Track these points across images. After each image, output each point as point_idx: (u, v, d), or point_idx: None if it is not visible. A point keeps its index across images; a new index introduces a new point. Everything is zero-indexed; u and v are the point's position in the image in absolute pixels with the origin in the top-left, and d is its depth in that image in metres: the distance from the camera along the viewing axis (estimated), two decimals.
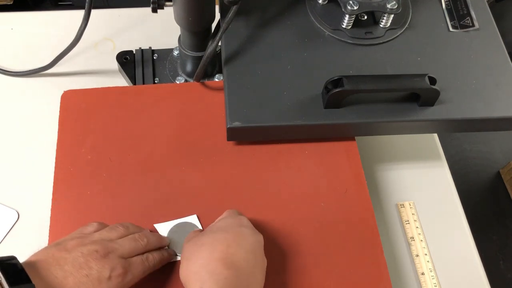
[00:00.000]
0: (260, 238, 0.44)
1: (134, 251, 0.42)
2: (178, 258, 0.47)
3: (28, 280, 0.35)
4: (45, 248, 0.40)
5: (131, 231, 0.44)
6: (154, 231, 0.48)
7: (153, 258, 0.44)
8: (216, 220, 0.47)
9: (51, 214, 0.48)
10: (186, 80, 0.65)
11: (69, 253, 0.39)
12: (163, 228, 0.48)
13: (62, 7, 1.63)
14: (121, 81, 0.68)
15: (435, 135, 0.68)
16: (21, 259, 0.38)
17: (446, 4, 0.59)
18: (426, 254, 0.57)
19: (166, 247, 0.47)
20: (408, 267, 0.57)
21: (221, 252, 0.40)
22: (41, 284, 0.36)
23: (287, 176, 0.52)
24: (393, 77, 0.51)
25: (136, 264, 0.42)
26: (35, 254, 0.39)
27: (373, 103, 0.52)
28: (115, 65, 0.67)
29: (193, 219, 0.49)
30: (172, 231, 0.48)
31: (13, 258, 0.36)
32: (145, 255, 0.43)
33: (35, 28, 0.73)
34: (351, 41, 0.55)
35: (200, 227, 0.48)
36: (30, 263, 0.37)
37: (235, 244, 0.41)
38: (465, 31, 0.57)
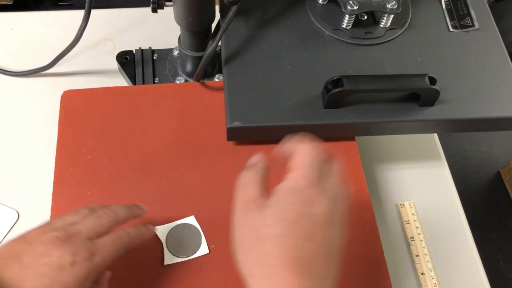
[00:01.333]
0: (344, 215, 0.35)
1: (101, 229, 0.39)
2: (177, 259, 0.47)
3: None
4: (7, 242, 0.37)
5: (97, 211, 0.41)
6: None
7: (127, 234, 0.40)
8: (286, 176, 0.36)
9: (51, 214, 0.48)
10: (186, 80, 0.65)
11: (29, 244, 0.36)
12: (162, 230, 0.48)
13: (62, 7, 1.63)
14: (121, 81, 0.68)
15: (435, 135, 0.68)
16: None
17: (446, 4, 0.59)
18: (426, 254, 0.57)
19: (149, 226, 0.44)
20: (408, 267, 0.57)
21: (291, 253, 0.32)
22: None
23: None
24: (393, 77, 0.51)
25: (104, 244, 0.38)
26: None
27: (373, 103, 0.52)
28: (115, 65, 0.67)
29: (191, 220, 0.49)
30: (170, 233, 0.48)
31: None
32: (116, 232, 0.40)
33: (35, 28, 0.73)
34: (351, 41, 0.55)
35: (199, 228, 0.48)
36: None
37: (314, 242, 0.33)
38: (465, 31, 0.57)
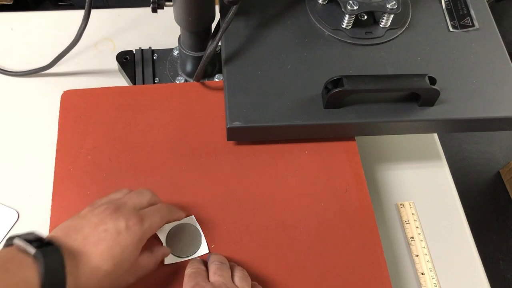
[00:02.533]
0: None
1: (143, 203, 0.44)
2: (177, 259, 0.47)
3: (51, 244, 0.36)
4: (59, 225, 0.41)
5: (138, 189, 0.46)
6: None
7: (166, 206, 0.45)
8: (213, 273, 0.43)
9: (51, 214, 0.48)
10: (186, 80, 0.65)
11: (83, 218, 0.40)
12: (162, 230, 0.48)
13: (62, 7, 1.63)
14: (121, 81, 0.68)
15: (435, 135, 0.68)
16: None
17: (446, 4, 0.59)
18: (426, 254, 0.57)
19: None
20: (408, 267, 0.57)
21: None
22: (63, 249, 0.36)
23: (287, 176, 0.52)
24: (393, 77, 0.51)
25: (150, 212, 0.43)
26: (52, 231, 0.40)
27: (373, 103, 0.52)
28: (115, 65, 0.67)
29: (191, 220, 0.49)
30: (171, 232, 0.48)
31: (32, 232, 0.38)
32: (156, 205, 0.44)
33: (35, 28, 0.73)
34: (351, 41, 0.55)
35: (199, 227, 0.48)
36: (49, 236, 0.38)
37: None
38: (465, 31, 0.57)
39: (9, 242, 0.36)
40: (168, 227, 0.48)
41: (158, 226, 0.43)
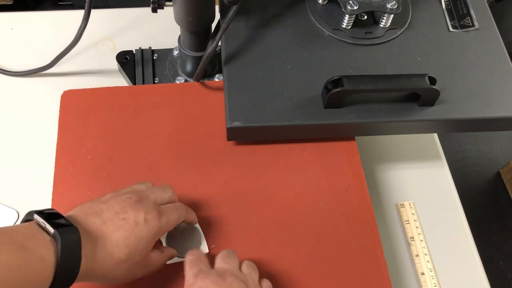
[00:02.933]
0: None
1: (164, 198, 0.44)
2: (177, 259, 0.47)
3: (70, 224, 0.36)
4: (83, 204, 0.41)
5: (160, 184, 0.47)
6: None
7: (184, 206, 0.45)
8: (219, 262, 0.42)
9: None
10: (186, 80, 0.65)
11: (105, 203, 0.40)
12: None
13: (62, 7, 1.63)
14: (121, 81, 0.68)
15: (435, 135, 0.68)
16: None
17: (446, 4, 0.59)
18: (426, 254, 0.57)
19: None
20: (408, 267, 0.57)
21: None
22: (81, 230, 0.36)
23: (287, 176, 0.52)
24: (393, 77, 0.51)
25: (169, 209, 0.43)
26: (72, 210, 0.40)
27: (373, 103, 0.52)
28: (115, 65, 0.67)
29: None
30: (171, 233, 0.48)
31: (52, 209, 0.38)
32: (176, 203, 0.45)
33: (35, 28, 0.73)
34: (351, 41, 0.55)
35: (199, 228, 0.48)
36: (68, 215, 0.38)
37: None
38: (465, 31, 0.57)
39: (29, 217, 0.37)
40: None
41: (175, 223, 0.43)
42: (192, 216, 0.47)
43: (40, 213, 0.36)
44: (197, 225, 0.49)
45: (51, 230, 0.35)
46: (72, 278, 0.35)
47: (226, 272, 0.40)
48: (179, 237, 0.48)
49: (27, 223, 0.36)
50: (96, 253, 0.37)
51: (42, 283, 0.34)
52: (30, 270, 0.33)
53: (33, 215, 0.36)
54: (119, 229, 0.39)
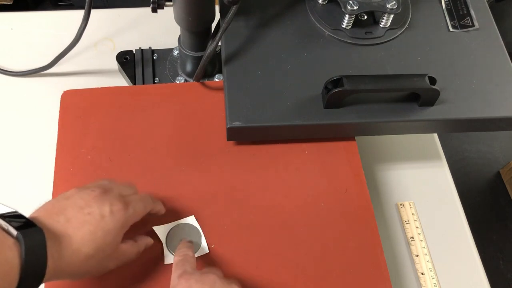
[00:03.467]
0: None
1: (129, 191, 0.44)
2: None
3: (33, 225, 0.36)
4: (46, 202, 0.41)
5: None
6: (153, 233, 0.48)
7: (150, 197, 0.45)
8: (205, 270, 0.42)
9: None
10: (186, 80, 0.65)
11: (68, 199, 0.40)
12: (162, 230, 0.48)
13: (62, 7, 1.63)
14: (121, 81, 0.68)
15: (435, 135, 0.68)
16: None
17: (446, 4, 0.59)
18: (426, 254, 0.57)
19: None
20: (408, 267, 0.57)
21: None
22: (45, 230, 0.36)
23: (287, 176, 0.52)
24: (393, 77, 0.51)
25: (135, 200, 0.43)
26: (36, 211, 0.40)
27: (373, 103, 0.52)
28: (115, 65, 0.67)
29: (191, 220, 0.49)
30: (171, 232, 0.48)
31: (15, 211, 0.38)
32: (142, 194, 0.45)
33: (35, 28, 0.73)
34: (351, 41, 0.55)
35: (199, 228, 0.48)
36: (32, 217, 0.38)
37: None
38: (465, 31, 0.57)
39: None
40: (168, 227, 0.48)
41: (142, 213, 0.43)
42: (159, 206, 0.47)
43: (2, 216, 0.36)
44: (197, 225, 0.49)
45: (14, 232, 0.35)
46: (39, 279, 0.35)
47: (209, 272, 0.40)
48: (178, 237, 0.48)
49: None
50: (63, 252, 0.37)
51: (9, 284, 0.33)
52: None
53: None
54: (84, 225, 0.38)
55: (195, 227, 0.49)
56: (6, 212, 0.37)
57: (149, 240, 0.46)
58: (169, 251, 0.47)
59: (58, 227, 0.38)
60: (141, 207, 0.43)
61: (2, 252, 0.33)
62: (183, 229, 0.48)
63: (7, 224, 0.35)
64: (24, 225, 0.36)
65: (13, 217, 0.36)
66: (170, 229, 0.48)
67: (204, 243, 0.48)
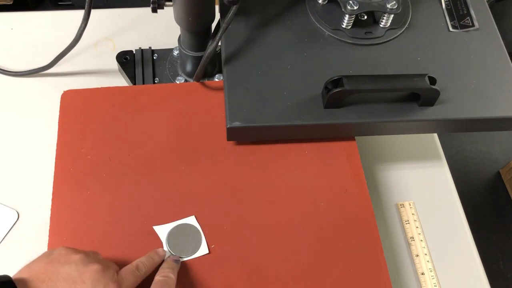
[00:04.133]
0: None
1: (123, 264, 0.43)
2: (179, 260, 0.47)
3: None
4: (37, 260, 0.39)
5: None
6: (153, 233, 0.48)
7: (143, 265, 0.43)
8: None
9: (51, 214, 0.48)
10: (186, 80, 0.65)
11: (63, 265, 0.38)
12: (162, 230, 0.48)
13: (62, 7, 1.63)
14: (121, 81, 0.68)
15: (435, 135, 0.68)
16: (19, 262, 0.38)
17: (446, 4, 0.59)
18: (426, 254, 0.57)
19: (159, 250, 0.47)
20: (408, 267, 0.57)
21: None
22: None
23: (287, 176, 0.52)
24: (393, 77, 0.51)
25: (126, 275, 0.41)
26: (28, 267, 0.38)
27: (373, 103, 0.52)
28: (115, 65, 0.67)
29: (191, 220, 0.49)
30: (171, 233, 0.48)
31: (6, 276, 0.36)
32: (134, 263, 0.43)
33: (35, 28, 0.73)
34: (351, 41, 0.55)
35: (199, 228, 0.49)
36: (22, 280, 0.36)
37: None
38: (465, 31, 0.57)
39: None
40: (168, 227, 0.48)
41: (134, 285, 0.42)
42: (153, 260, 0.45)
43: None
44: (197, 225, 0.49)
45: None
46: None
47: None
48: (178, 237, 0.48)
49: None
50: None
51: None
52: None
53: None
54: None
55: (195, 227, 0.49)
56: None
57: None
58: (169, 251, 0.47)
59: None
60: (132, 282, 0.41)
61: None
62: (183, 229, 0.48)
63: None
64: None
65: (2, 283, 0.35)
66: (170, 229, 0.48)
67: (204, 243, 0.48)
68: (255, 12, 0.56)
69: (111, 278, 0.39)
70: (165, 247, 0.47)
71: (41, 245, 0.46)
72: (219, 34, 0.52)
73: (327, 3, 0.57)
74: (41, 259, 0.39)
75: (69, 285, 0.37)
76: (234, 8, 0.49)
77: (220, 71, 0.64)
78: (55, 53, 0.63)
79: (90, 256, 0.41)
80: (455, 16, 0.58)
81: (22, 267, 0.38)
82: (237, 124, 0.49)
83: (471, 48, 0.56)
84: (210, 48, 0.53)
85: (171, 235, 0.48)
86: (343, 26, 0.55)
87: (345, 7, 0.52)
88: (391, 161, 0.65)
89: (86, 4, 0.55)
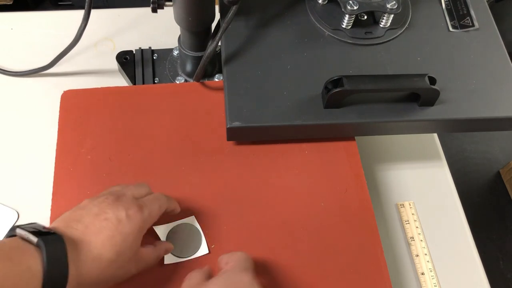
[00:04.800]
0: None
1: (142, 193, 0.44)
2: (177, 259, 0.47)
3: (53, 232, 0.36)
4: (62, 214, 0.41)
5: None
6: (154, 233, 0.48)
7: (163, 195, 0.45)
8: (224, 268, 0.42)
9: (51, 214, 0.48)
10: (186, 80, 0.65)
11: (83, 209, 0.40)
12: (162, 230, 0.48)
13: (62, 7, 1.63)
14: (121, 81, 0.68)
15: (435, 135, 0.68)
16: None
17: (446, 4, 0.59)
18: (426, 254, 0.57)
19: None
20: (408, 267, 0.57)
21: None
22: (65, 237, 0.36)
23: (287, 176, 0.52)
24: (393, 77, 0.51)
25: (149, 200, 0.43)
26: (53, 222, 0.40)
27: (373, 103, 0.52)
28: (115, 65, 0.67)
29: (191, 220, 0.49)
30: (171, 232, 0.48)
31: (34, 222, 0.38)
32: (155, 193, 0.45)
33: (35, 28, 0.73)
34: (351, 41, 0.55)
35: (199, 228, 0.49)
36: (50, 227, 0.39)
37: None
38: (465, 31, 0.57)
39: (12, 232, 0.37)
40: (168, 227, 0.48)
41: (158, 214, 0.43)
42: (174, 204, 0.47)
43: (22, 227, 0.36)
44: (197, 225, 0.49)
45: (34, 239, 0.35)
46: (61, 286, 0.35)
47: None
48: (178, 237, 0.48)
49: (10, 238, 0.36)
50: (84, 258, 0.37)
51: None
52: (17, 280, 0.33)
53: (15, 230, 0.36)
54: (102, 230, 0.38)
55: (195, 227, 0.49)
56: (25, 224, 0.37)
57: (169, 246, 0.46)
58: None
59: (77, 234, 0.38)
60: (156, 208, 0.43)
61: (24, 259, 0.34)
62: (183, 229, 0.48)
63: (27, 233, 0.35)
64: (44, 233, 0.36)
65: (32, 227, 0.37)
66: (170, 229, 0.48)
67: (204, 243, 0.48)
68: (255, 12, 0.56)
69: (131, 202, 0.41)
70: None
71: None
72: (219, 34, 0.52)
73: (327, 3, 0.57)
74: (66, 212, 0.41)
75: (93, 219, 0.39)
76: (234, 8, 0.49)
77: (220, 71, 0.64)
78: (55, 53, 0.63)
79: (109, 194, 0.42)
80: (455, 16, 0.58)
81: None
82: (237, 124, 0.49)
83: (471, 48, 0.56)
84: (210, 48, 0.53)
85: (171, 235, 0.48)
86: (343, 26, 0.55)
87: (345, 7, 0.52)
88: (391, 161, 0.65)
89: (86, 4, 0.55)
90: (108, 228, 0.39)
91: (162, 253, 0.45)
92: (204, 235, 0.48)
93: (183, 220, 0.49)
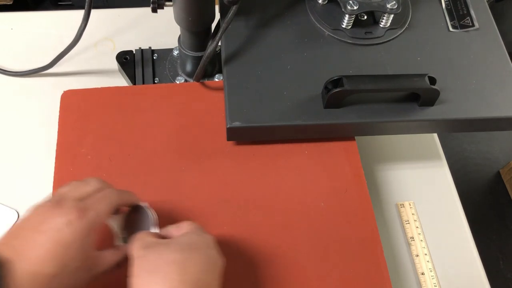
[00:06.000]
0: (224, 263, 0.41)
1: (88, 192, 0.41)
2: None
3: None
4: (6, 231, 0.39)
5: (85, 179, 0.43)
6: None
7: (115, 191, 0.42)
8: (178, 233, 0.42)
9: None
10: (186, 80, 0.65)
11: (25, 221, 0.38)
12: (114, 219, 0.45)
13: (62, 7, 1.63)
14: (121, 81, 0.68)
15: (435, 135, 0.68)
16: None
17: (446, 4, 0.59)
18: (426, 254, 0.57)
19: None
20: (408, 267, 0.57)
21: (192, 275, 0.37)
22: (1, 259, 0.35)
23: (287, 176, 0.52)
24: (393, 77, 0.51)
25: (96, 200, 0.39)
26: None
27: (373, 103, 0.52)
28: (115, 65, 0.67)
29: (138, 201, 0.45)
30: (122, 222, 0.45)
31: None
32: (102, 191, 0.41)
33: (35, 28, 0.73)
34: (351, 41, 0.55)
35: (149, 212, 0.45)
36: None
37: (206, 269, 0.38)
38: (465, 31, 0.57)
39: None
40: (122, 216, 0.45)
41: (107, 212, 0.40)
42: (127, 197, 0.43)
43: None
44: (148, 210, 0.45)
45: None
46: None
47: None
48: (129, 225, 0.45)
49: None
50: (20, 278, 0.34)
51: None
52: None
53: None
54: (41, 245, 0.36)
55: (145, 212, 0.45)
56: None
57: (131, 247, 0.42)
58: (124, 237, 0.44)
59: (11, 253, 0.35)
60: (104, 207, 0.39)
61: None
62: (133, 214, 0.45)
63: None
64: None
65: None
66: (124, 217, 0.45)
67: (154, 227, 0.44)
68: (255, 12, 0.56)
69: (72, 207, 0.38)
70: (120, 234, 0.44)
71: None
72: (219, 34, 0.52)
73: (327, 3, 0.57)
74: (14, 224, 0.40)
75: (32, 231, 0.37)
76: (234, 8, 0.49)
77: (220, 71, 0.64)
78: (55, 53, 0.63)
79: (49, 199, 0.40)
80: (455, 16, 0.58)
81: None
82: (237, 124, 0.49)
83: (471, 48, 0.56)
84: (210, 48, 0.53)
85: (122, 223, 0.45)
86: (343, 26, 0.55)
87: (345, 7, 0.52)
88: (391, 161, 0.65)
89: (86, 4, 0.55)
90: (48, 240, 0.36)
91: (122, 256, 0.41)
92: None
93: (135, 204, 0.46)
